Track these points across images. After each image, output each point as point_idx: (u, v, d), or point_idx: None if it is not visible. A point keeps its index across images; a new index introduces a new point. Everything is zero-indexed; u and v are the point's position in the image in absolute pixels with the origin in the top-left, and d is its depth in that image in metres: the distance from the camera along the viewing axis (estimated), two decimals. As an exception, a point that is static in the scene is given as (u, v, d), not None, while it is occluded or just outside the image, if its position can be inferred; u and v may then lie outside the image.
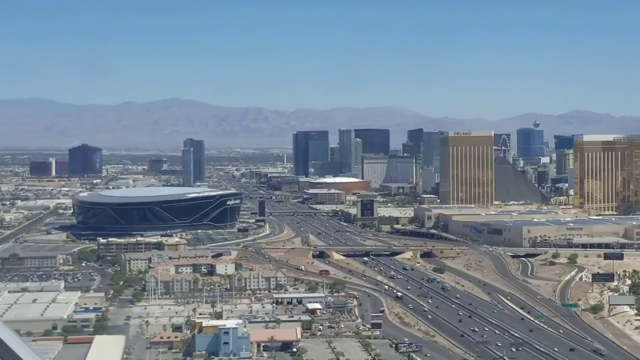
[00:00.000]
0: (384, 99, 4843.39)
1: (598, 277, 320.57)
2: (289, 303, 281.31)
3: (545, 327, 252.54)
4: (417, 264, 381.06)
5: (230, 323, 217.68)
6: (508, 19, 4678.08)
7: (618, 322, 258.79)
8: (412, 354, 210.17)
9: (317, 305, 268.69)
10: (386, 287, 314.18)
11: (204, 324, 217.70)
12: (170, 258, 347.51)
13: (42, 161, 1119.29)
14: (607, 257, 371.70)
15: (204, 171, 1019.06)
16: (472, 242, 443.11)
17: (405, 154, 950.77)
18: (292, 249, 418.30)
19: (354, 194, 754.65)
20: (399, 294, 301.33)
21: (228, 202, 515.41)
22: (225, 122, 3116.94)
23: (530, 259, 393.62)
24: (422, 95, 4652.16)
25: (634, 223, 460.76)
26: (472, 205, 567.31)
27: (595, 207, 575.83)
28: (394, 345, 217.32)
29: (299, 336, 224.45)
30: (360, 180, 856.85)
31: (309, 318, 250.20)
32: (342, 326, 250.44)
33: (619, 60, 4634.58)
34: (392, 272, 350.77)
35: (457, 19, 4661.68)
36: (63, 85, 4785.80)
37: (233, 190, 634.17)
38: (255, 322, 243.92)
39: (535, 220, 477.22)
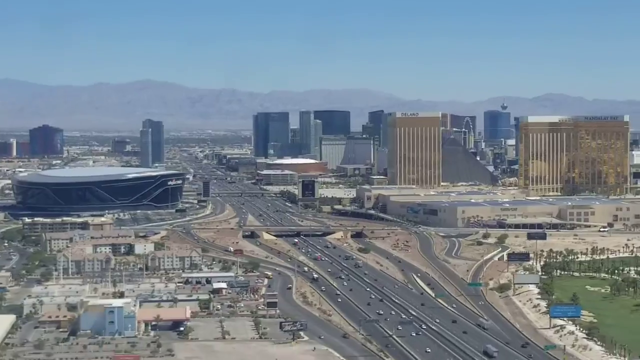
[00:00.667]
0: (360, 81, 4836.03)
1: (514, 257, 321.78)
2: (198, 282, 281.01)
3: (445, 304, 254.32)
4: (345, 244, 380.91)
5: (117, 302, 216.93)
6: (483, 2, 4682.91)
7: (520, 301, 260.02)
8: (296, 332, 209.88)
9: (223, 285, 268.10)
10: (305, 268, 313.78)
11: (89, 303, 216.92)
12: (92, 238, 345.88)
13: (2, 142, 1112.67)
14: (530, 236, 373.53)
15: (163, 152, 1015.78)
16: (409, 222, 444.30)
17: (364, 136, 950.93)
18: (222, 229, 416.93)
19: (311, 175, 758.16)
20: (315, 275, 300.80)
21: (169, 183, 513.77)
22: (199, 103, 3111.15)
23: (460, 239, 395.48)
24: (398, 78, 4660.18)
25: (569, 204, 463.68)
26: (414, 186, 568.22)
27: (540, 189, 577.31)
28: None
29: (188, 315, 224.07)
30: (317, 162, 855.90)
31: (207, 297, 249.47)
32: (242, 305, 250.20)
33: (593, 43, 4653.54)
34: (318, 254, 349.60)
35: (432, 2, 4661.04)
36: (36, 66, 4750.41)
37: (174, 171, 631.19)
38: (153, 301, 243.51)
39: (472, 200, 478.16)
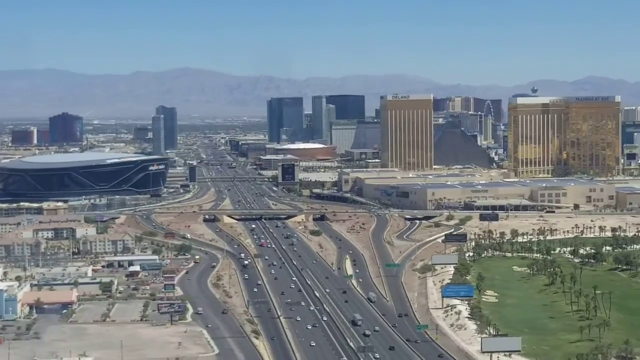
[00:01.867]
0: (398, 66, 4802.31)
1: (451, 238, 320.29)
2: (120, 265, 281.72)
3: (355, 284, 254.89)
4: (300, 227, 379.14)
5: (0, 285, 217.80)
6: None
7: (433, 281, 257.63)
8: (174, 314, 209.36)
9: (137, 268, 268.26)
10: (242, 254, 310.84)
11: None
12: (40, 222, 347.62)
13: (23, 130, 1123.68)
14: (482, 218, 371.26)
15: (176, 138, 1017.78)
16: (381, 205, 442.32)
17: (376, 120, 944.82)
18: (184, 213, 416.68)
19: (318, 160, 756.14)
20: (246, 262, 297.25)
21: (150, 168, 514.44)
22: (237, 90, 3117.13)
23: (423, 221, 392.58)
24: (437, 64, 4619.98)
25: (544, 185, 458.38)
26: (396, 169, 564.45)
27: (531, 171, 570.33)
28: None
29: (74, 298, 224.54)
30: (325, 147, 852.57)
31: (109, 280, 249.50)
32: (148, 288, 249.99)
33: (635, 25, 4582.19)
34: (263, 240, 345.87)
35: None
36: (77, 56, 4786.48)
37: (157, 157, 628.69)
38: (55, 284, 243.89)
39: (449, 183, 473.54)
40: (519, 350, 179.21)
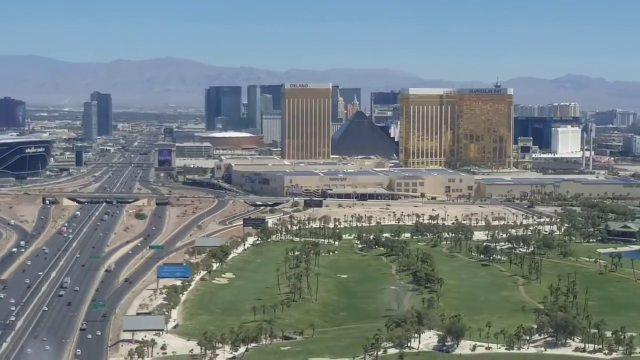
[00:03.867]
0: (383, 61, 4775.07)
1: (248, 222, 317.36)
2: None
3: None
4: (131, 212, 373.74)
5: None
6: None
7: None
8: None
9: None
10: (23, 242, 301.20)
11: None
12: None
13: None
14: (307, 204, 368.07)
15: (111, 125, 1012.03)
16: (244, 191, 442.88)
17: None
18: (23, 195, 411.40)
19: (243, 148, 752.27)
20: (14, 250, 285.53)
21: (27, 150, 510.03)
22: (216, 81, 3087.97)
23: (267, 207, 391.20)
24: (421, 59, 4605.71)
25: (406, 174, 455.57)
26: (276, 157, 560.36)
27: (422, 162, 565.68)
28: None
29: None
30: (253, 136, 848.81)
31: None
32: None
33: (615, 24, 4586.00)
34: (63, 227, 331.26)
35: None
36: (59, 43, 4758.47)
37: (35, 139, 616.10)
38: None
39: (316, 171, 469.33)
40: (162, 329, 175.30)
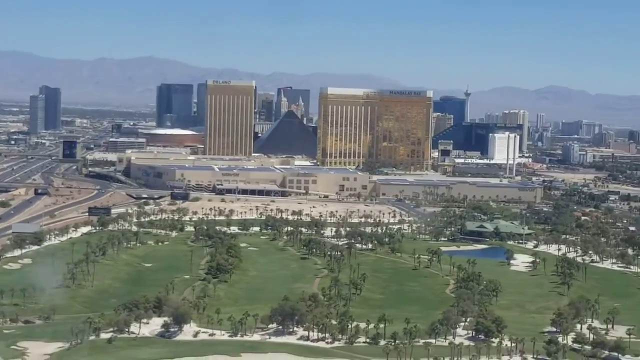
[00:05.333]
0: (367, 66, 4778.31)
1: (94, 211, 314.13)
2: None
3: None
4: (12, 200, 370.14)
5: None
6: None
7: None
8: None
9: None
10: None
11: None
12: None
13: None
14: (173, 196, 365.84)
15: (59, 119, 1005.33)
16: (138, 184, 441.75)
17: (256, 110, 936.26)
18: None
19: (185, 146, 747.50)
20: None
21: None
22: (200, 81, 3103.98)
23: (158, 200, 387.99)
24: (406, 66, 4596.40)
25: (301, 172, 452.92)
26: (183, 152, 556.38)
27: (339, 162, 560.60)
28: None
29: None
30: (195, 134, 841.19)
31: None
32: None
33: (597, 37, 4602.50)
34: None
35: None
36: (42, 39, 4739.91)
37: None
38: None
39: (215, 167, 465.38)
40: None
